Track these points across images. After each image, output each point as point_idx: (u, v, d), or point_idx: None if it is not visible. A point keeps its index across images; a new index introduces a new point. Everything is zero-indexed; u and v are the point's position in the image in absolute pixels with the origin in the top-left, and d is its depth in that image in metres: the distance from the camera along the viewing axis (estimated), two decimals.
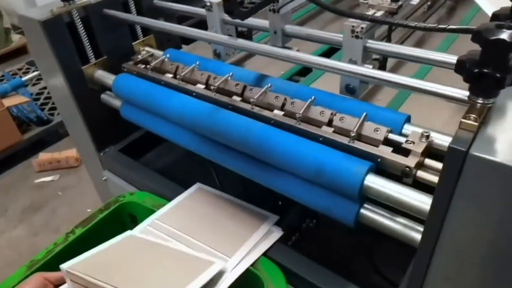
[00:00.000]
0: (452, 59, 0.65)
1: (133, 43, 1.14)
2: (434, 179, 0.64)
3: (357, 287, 0.74)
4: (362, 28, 0.75)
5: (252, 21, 0.95)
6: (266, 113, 0.78)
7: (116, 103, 1.08)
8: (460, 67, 0.45)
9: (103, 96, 1.11)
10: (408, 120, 0.74)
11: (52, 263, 0.86)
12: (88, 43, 1.03)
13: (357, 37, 0.76)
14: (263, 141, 0.73)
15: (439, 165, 0.65)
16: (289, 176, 0.73)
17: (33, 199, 2.32)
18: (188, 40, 1.28)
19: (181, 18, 1.29)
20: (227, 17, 0.97)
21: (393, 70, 0.99)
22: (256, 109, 0.80)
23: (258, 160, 0.78)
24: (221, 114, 0.80)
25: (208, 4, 0.96)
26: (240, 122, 0.77)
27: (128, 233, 0.88)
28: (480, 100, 0.46)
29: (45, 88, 3.02)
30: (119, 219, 0.99)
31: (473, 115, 0.43)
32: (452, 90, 0.58)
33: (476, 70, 0.43)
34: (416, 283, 0.56)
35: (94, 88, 1.09)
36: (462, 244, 0.47)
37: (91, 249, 0.93)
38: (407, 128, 0.72)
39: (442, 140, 0.68)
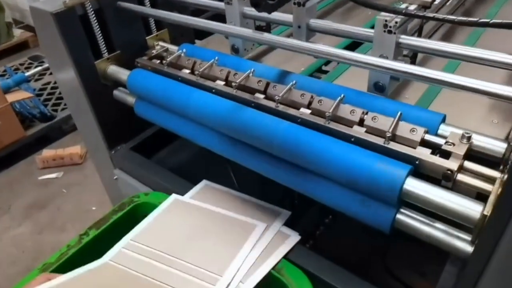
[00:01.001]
0: (498, 56, 0.61)
1: (146, 38, 1.10)
2: (476, 182, 0.60)
3: None
4: (396, 22, 0.71)
5: (274, 15, 0.90)
6: (292, 111, 0.75)
7: (130, 99, 1.04)
8: None
9: (115, 92, 1.07)
10: (443, 120, 0.70)
11: (66, 266, 0.82)
12: (101, 37, 0.99)
13: (389, 32, 0.72)
14: (292, 141, 0.69)
15: (480, 168, 0.62)
16: (318, 178, 0.70)
17: (37, 196, 2.28)
18: (202, 35, 1.24)
19: (194, 12, 1.24)
20: (247, 11, 0.93)
21: (421, 65, 0.95)
22: (281, 107, 0.76)
23: (284, 161, 0.74)
24: (245, 112, 0.76)
25: None
26: (266, 120, 0.73)
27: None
28: None
29: (48, 83, 2.98)
30: (133, 220, 0.95)
31: None
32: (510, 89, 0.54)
33: None
34: None
35: (107, 83, 1.05)
36: None
37: (105, 251, 0.90)
38: (443, 129, 0.69)
39: (482, 142, 0.65)
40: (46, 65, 2.86)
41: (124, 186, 1.13)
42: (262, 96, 0.80)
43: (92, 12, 0.95)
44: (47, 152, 2.48)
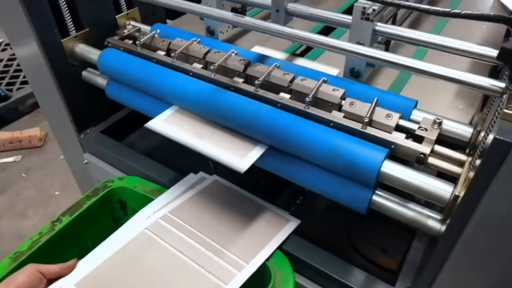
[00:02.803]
0: (471, 47, 0.64)
1: (116, 16, 1.05)
2: (445, 165, 0.64)
3: (367, 275, 0.74)
4: (374, 10, 0.73)
5: None
6: (272, 96, 0.75)
7: (100, 81, 1.00)
8: (505, 56, 0.44)
9: (84, 73, 1.02)
10: (415, 105, 0.73)
11: (38, 254, 0.80)
12: (68, 13, 0.93)
13: (367, 19, 0.74)
14: (273, 125, 0.70)
15: (449, 152, 0.66)
16: (299, 162, 0.71)
17: None
18: (173, 14, 1.21)
19: None
20: None
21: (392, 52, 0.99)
22: (261, 92, 0.76)
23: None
24: (225, 96, 0.76)
25: None
26: (247, 105, 0.73)
27: (140, 226, 0.79)
28: None
29: (0, 60, 2.78)
30: (107, 206, 0.93)
31: None
32: (483, 80, 0.58)
33: None
34: (433, 269, 0.56)
35: (74, 63, 1.00)
36: (491, 234, 0.48)
37: (78, 238, 0.88)
38: (415, 114, 0.72)
39: (451, 127, 0.69)
40: None
41: (95, 171, 1.10)
42: (241, 80, 0.80)
43: None
44: (2, 135, 2.34)
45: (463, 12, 0.65)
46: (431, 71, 0.63)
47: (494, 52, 0.64)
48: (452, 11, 0.66)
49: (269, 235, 0.78)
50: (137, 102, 0.92)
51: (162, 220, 0.81)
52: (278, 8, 0.85)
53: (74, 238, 0.87)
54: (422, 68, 0.64)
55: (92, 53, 0.96)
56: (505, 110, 0.43)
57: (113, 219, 0.96)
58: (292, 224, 0.81)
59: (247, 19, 0.78)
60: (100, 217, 0.91)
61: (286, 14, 0.86)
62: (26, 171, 2.22)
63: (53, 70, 0.96)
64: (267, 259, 0.74)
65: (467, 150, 0.68)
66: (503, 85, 0.54)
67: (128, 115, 1.15)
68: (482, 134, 0.60)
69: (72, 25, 0.96)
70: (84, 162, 1.11)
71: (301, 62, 0.96)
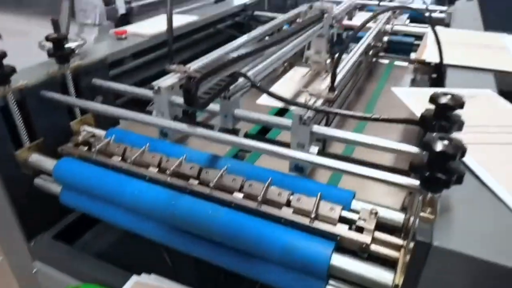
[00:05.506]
0: (392, 144, 0.77)
1: (70, 123, 1.10)
2: (386, 251, 0.72)
3: None
4: (309, 117, 0.85)
5: None
6: (226, 196, 0.81)
7: (53, 188, 1.00)
8: (414, 169, 0.55)
9: (37, 180, 1.02)
10: (354, 196, 0.83)
11: None
12: (23, 128, 0.96)
13: (304, 123, 0.85)
14: (230, 227, 0.75)
15: (388, 238, 0.74)
16: (256, 259, 0.76)
17: None
18: None
19: (118, 94, 1.28)
20: (175, 100, 1.00)
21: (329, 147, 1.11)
22: (216, 193, 0.82)
23: (222, 244, 0.79)
24: (182, 200, 0.81)
25: (156, 88, 0.99)
26: (204, 208, 0.78)
27: None
28: (429, 194, 0.56)
29: None
30: None
31: (429, 208, 0.52)
32: (404, 179, 0.68)
33: (427, 174, 0.53)
34: None
35: (27, 172, 1.01)
36: None
37: None
38: (355, 204, 0.81)
39: (386, 214, 0.78)
40: None
41: (46, 280, 1.05)
42: (196, 182, 0.85)
43: (14, 102, 0.93)
44: None
45: (381, 117, 0.79)
46: (360, 173, 0.73)
47: (413, 149, 0.77)
48: (373, 117, 0.80)
49: None
50: (94, 209, 0.93)
51: None
52: (226, 114, 0.95)
53: None
54: (353, 171, 0.75)
55: (46, 162, 0.97)
56: (421, 214, 0.52)
57: None
58: None
59: (201, 130, 0.86)
60: None
61: (233, 119, 0.96)
62: None
63: (3, 180, 0.96)
64: None
65: (402, 234, 0.77)
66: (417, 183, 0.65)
67: (80, 217, 1.14)
68: (412, 219, 0.69)
69: (26, 137, 0.98)
70: (33, 271, 1.06)
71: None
